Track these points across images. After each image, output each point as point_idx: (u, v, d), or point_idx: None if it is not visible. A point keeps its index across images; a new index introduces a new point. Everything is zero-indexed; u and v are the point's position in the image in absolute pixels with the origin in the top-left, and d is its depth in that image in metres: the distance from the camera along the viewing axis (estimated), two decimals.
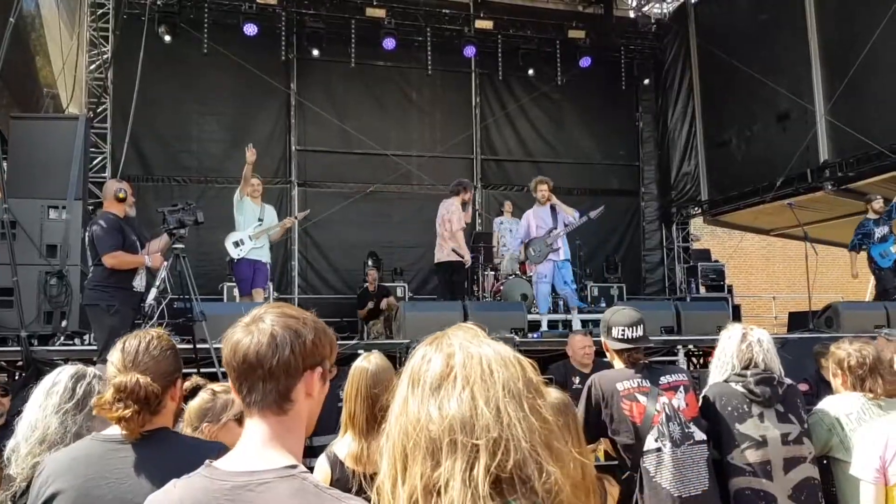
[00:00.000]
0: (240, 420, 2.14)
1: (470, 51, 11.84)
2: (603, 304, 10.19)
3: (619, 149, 13.50)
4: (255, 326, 1.25)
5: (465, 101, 12.71)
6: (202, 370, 4.74)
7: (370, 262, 10.64)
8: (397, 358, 4.79)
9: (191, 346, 4.96)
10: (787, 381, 2.96)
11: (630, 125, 13.62)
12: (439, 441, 0.98)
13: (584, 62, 12.32)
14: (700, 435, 2.84)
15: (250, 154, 7.09)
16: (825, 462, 2.94)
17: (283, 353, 1.22)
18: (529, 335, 6.91)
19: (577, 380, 5.00)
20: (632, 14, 13.37)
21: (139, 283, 5.02)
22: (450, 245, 7.94)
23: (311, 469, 1.71)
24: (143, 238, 5.18)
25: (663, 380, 2.94)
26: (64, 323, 5.90)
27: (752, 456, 2.78)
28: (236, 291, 8.10)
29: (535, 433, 0.99)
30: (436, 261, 8.23)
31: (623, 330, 3.00)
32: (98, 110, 9.97)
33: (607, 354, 3.17)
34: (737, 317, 10.13)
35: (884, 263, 8.19)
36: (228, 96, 11.33)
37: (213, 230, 7.88)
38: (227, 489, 1.16)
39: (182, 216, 5.12)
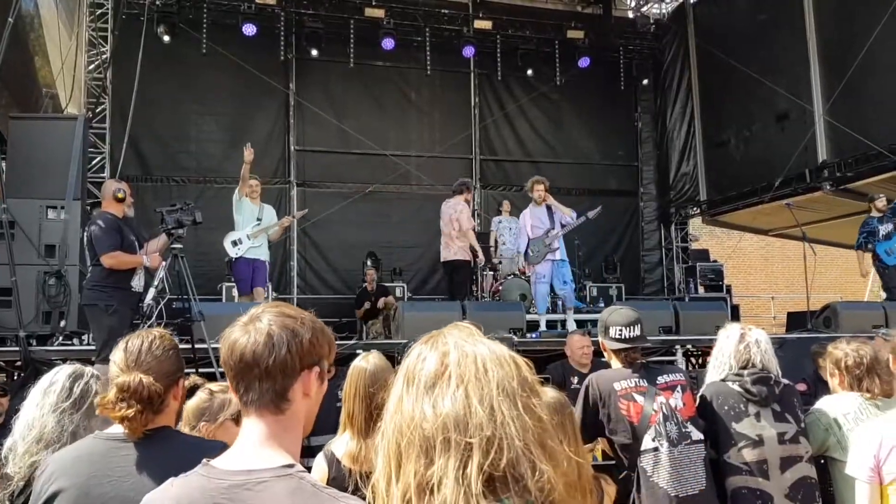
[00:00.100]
0: (237, 419, 2.14)
1: (469, 51, 11.84)
2: (601, 304, 10.19)
3: (618, 149, 13.49)
4: (253, 326, 1.25)
5: (463, 102, 12.69)
6: (201, 370, 4.74)
7: (369, 262, 10.62)
8: (396, 358, 4.79)
9: (189, 346, 4.97)
10: (784, 380, 2.97)
11: (629, 125, 13.61)
12: (433, 439, 0.98)
13: (583, 62, 12.31)
14: (697, 434, 2.84)
15: (248, 154, 7.09)
16: (822, 462, 2.95)
17: (279, 353, 1.22)
18: (528, 335, 6.92)
19: (575, 380, 5.00)
20: (630, 14, 13.33)
21: (137, 283, 5.03)
22: (457, 244, 7.94)
23: (308, 469, 1.71)
24: (141, 238, 5.18)
25: (661, 379, 2.94)
26: (62, 323, 5.90)
27: (749, 455, 2.78)
28: (235, 291, 8.11)
29: (528, 432, 0.99)
30: (442, 259, 8.24)
31: (620, 330, 3.00)
32: (97, 110, 9.97)
33: (605, 354, 3.17)
34: (735, 317, 10.12)
35: (889, 261, 8.18)
36: (227, 96, 11.32)
37: (212, 230, 7.88)
38: (225, 488, 1.16)
39: (180, 216, 5.13)
